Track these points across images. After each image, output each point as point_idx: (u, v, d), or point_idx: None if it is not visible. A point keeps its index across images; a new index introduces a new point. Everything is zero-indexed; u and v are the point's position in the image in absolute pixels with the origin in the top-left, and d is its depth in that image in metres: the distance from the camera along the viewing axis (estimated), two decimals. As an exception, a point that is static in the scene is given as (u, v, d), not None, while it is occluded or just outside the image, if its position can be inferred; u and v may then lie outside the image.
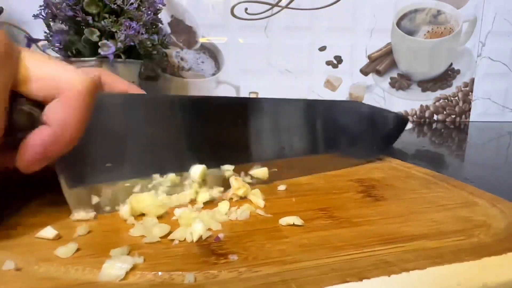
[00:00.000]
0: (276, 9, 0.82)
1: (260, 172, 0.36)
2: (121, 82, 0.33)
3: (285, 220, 0.27)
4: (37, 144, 0.24)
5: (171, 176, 0.31)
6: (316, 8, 0.83)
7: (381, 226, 0.27)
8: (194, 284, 0.20)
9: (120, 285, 0.20)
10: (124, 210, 0.28)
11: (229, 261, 0.22)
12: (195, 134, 0.33)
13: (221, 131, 0.35)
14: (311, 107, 0.41)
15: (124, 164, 0.30)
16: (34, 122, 0.24)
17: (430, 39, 0.88)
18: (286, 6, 0.82)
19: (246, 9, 0.80)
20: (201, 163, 0.32)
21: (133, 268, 0.21)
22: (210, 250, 0.23)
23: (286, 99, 0.39)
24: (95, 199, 0.28)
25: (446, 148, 0.69)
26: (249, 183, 0.34)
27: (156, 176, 0.31)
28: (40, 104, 0.24)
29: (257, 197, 0.32)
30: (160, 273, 0.20)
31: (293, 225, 0.27)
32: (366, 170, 0.41)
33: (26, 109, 0.24)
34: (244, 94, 0.84)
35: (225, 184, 0.33)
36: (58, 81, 0.24)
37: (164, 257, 0.22)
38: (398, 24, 0.86)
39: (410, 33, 0.87)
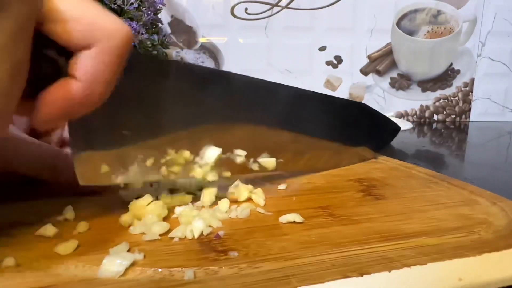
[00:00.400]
0: (276, 9, 0.82)
1: (269, 162, 0.35)
2: None
3: (286, 218, 0.27)
4: (59, 99, 0.20)
5: (185, 153, 0.30)
6: (316, 8, 0.83)
7: (382, 224, 0.27)
8: (194, 280, 0.20)
9: (120, 281, 0.20)
10: (124, 219, 0.27)
11: (230, 258, 0.22)
12: (216, 114, 0.32)
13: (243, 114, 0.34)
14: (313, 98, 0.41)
15: (141, 133, 0.28)
16: (57, 72, 0.21)
17: (430, 39, 0.88)
18: (286, 6, 0.82)
19: (246, 9, 0.80)
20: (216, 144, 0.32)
21: (133, 264, 0.21)
22: (211, 247, 0.23)
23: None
24: (104, 168, 0.27)
25: (446, 148, 0.69)
26: (254, 171, 0.35)
27: (171, 152, 0.29)
28: (65, 51, 0.21)
29: (258, 196, 0.32)
30: (160, 269, 0.20)
31: (293, 222, 0.27)
32: (366, 170, 0.41)
33: (51, 55, 0.21)
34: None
35: (235, 169, 0.33)
36: (96, 27, 0.20)
37: (164, 254, 0.22)
38: (398, 24, 0.86)
39: (410, 33, 0.87)
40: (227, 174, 0.33)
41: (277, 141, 0.37)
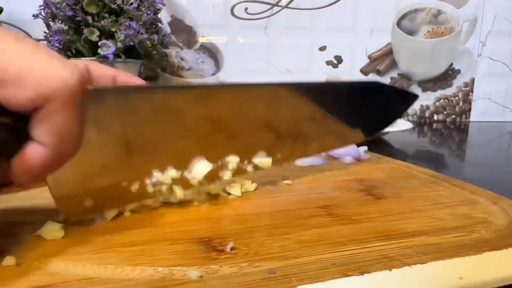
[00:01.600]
0: (276, 9, 0.82)
1: (264, 162, 0.33)
2: (108, 68, 0.28)
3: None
4: (29, 169, 0.19)
5: (172, 172, 0.28)
6: (316, 8, 0.83)
7: (382, 223, 0.27)
8: (195, 279, 0.19)
9: (120, 280, 0.19)
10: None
11: (230, 257, 0.22)
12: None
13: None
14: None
15: (124, 163, 0.26)
16: (20, 138, 0.19)
17: (430, 39, 0.88)
18: (286, 6, 0.82)
19: (246, 9, 0.80)
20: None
21: (133, 263, 0.21)
22: (211, 246, 0.23)
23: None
24: (88, 202, 0.26)
25: (446, 148, 0.69)
26: (248, 172, 0.32)
27: (157, 174, 0.28)
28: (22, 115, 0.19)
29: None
30: (160, 268, 0.20)
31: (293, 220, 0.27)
32: (366, 170, 0.41)
33: (7, 122, 0.19)
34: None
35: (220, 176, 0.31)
36: (44, 82, 0.18)
37: (164, 252, 0.22)
38: (398, 24, 0.87)
39: (410, 33, 0.87)
40: (214, 188, 0.32)
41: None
